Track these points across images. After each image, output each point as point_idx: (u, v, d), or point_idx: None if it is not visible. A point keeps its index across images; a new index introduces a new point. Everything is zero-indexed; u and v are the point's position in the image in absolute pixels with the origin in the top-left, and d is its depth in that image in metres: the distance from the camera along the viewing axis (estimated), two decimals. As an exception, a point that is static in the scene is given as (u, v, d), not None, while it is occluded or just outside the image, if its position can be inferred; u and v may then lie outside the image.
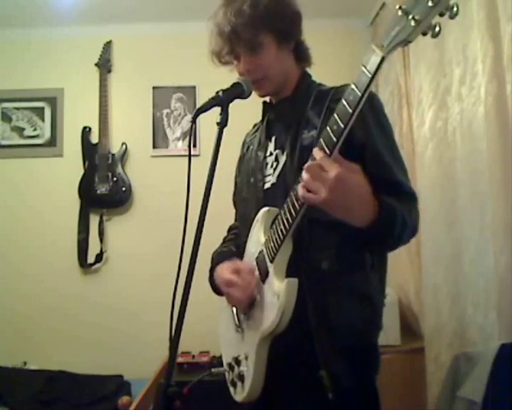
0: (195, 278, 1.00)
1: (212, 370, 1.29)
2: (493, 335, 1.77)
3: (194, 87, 3.23)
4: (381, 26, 2.93)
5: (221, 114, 1.10)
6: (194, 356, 2.75)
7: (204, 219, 1.03)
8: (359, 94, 0.87)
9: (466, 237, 1.98)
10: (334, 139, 0.93)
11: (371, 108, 1.15)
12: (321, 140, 0.97)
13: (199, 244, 1.02)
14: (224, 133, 1.11)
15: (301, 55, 1.34)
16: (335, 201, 0.95)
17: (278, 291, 1.09)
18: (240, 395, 1.23)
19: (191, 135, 1.11)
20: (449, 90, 2.05)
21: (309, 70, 1.39)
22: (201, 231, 1.02)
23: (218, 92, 1.11)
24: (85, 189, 3.10)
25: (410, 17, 0.77)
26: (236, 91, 1.15)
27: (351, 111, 0.89)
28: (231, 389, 1.29)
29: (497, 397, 1.55)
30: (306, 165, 0.97)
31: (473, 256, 1.93)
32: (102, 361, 2.94)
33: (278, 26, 1.25)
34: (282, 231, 1.10)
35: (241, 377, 1.21)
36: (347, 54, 3.22)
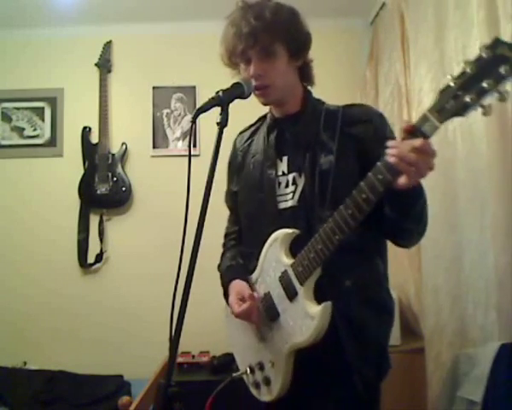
0: (195, 277, 1.00)
1: (234, 375, 1.40)
2: (493, 335, 1.77)
3: (194, 87, 3.23)
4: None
5: (221, 114, 1.10)
6: (194, 356, 2.75)
7: (204, 219, 1.03)
8: None
9: (466, 237, 1.98)
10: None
11: (386, 126, 1.29)
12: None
13: (199, 244, 1.02)
14: (223, 133, 1.11)
15: (306, 75, 1.38)
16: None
17: (313, 314, 1.17)
18: (267, 396, 1.33)
19: (191, 135, 1.11)
20: (449, 91, 2.05)
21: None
22: (201, 231, 1.02)
23: (218, 92, 1.11)
24: (85, 189, 3.10)
25: (468, 96, 0.86)
26: (236, 92, 1.15)
27: None
28: (254, 391, 1.38)
29: (497, 397, 1.55)
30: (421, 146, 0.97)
31: (473, 256, 1.93)
32: (102, 361, 2.94)
33: (293, 40, 1.29)
34: (314, 259, 1.16)
35: (268, 381, 1.31)
36: (347, 54, 3.22)
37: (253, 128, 1.48)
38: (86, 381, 2.79)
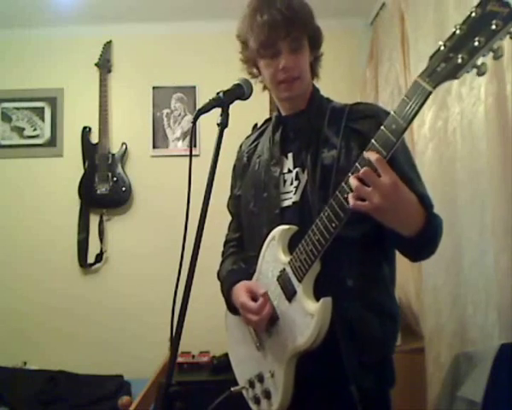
0: (196, 277, 1.00)
1: (232, 389, 1.29)
2: (493, 335, 1.77)
3: (194, 87, 3.23)
4: (382, 29, 2.94)
5: (221, 115, 1.10)
6: (194, 356, 2.75)
7: (205, 219, 1.03)
8: (404, 125, 0.91)
9: (466, 236, 1.98)
10: (394, 139, 0.93)
11: None
12: (373, 141, 0.97)
13: (199, 244, 1.02)
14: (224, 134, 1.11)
15: (315, 70, 1.36)
16: (388, 209, 0.96)
17: (313, 311, 1.11)
18: None
19: (192, 136, 1.11)
20: (449, 90, 2.05)
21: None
22: (202, 231, 1.02)
23: (218, 93, 1.11)
24: (85, 189, 3.10)
25: (459, 56, 0.82)
26: (237, 92, 1.15)
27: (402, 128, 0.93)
28: (254, 406, 1.29)
29: (497, 397, 1.55)
30: (362, 171, 0.95)
31: (473, 256, 1.93)
32: (102, 361, 2.94)
33: (314, 34, 1.30)
34: (312, 251, 1.11)
35: (268, 394, 1.22)
36: (347, 54, 3.23)
37: (259, 131, 1.46)
38: (86, 381, 2.79)
